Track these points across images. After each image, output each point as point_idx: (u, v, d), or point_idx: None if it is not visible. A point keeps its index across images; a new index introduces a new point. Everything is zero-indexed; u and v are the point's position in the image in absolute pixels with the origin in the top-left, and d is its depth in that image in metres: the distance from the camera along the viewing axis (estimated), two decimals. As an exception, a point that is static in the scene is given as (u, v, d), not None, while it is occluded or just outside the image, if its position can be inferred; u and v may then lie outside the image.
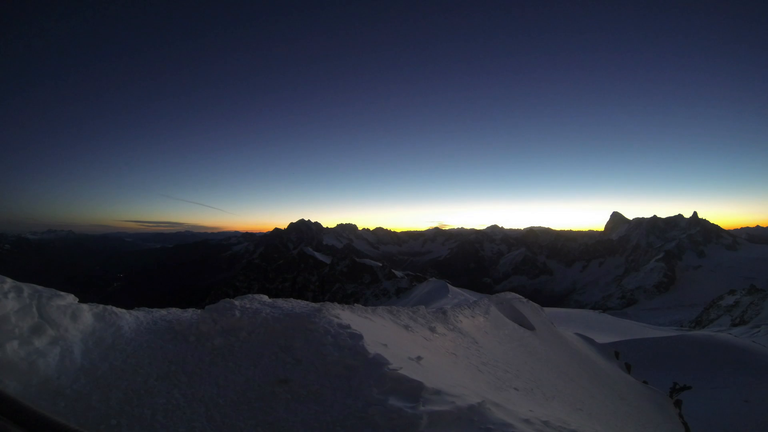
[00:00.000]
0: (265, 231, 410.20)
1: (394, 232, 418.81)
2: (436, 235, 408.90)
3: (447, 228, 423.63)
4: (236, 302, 7.14)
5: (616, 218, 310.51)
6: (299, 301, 8.49)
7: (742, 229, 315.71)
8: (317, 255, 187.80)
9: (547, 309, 34.49)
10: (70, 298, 5.34)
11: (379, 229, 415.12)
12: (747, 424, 18.76)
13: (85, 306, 5.50)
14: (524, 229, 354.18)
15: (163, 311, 6.81)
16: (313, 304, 8.26)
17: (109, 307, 5.92)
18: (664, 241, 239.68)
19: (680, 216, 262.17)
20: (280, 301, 8.01)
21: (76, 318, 5.20)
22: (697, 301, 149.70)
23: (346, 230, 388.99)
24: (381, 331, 8.17)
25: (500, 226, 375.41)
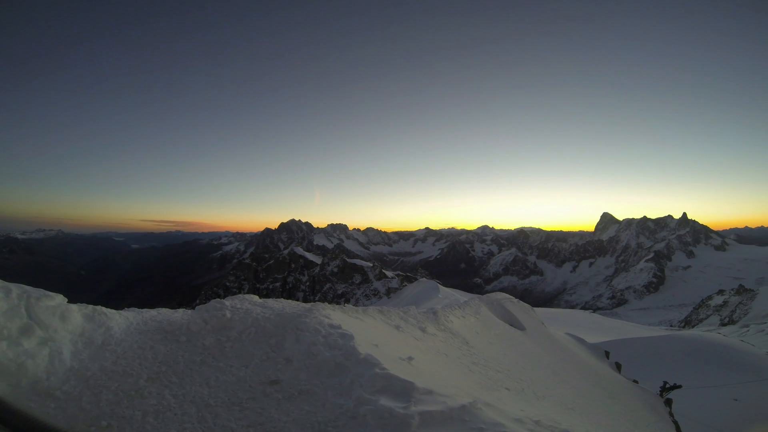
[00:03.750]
0: (255, 231, 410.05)
1: (385, 233, 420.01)
2: (427, 235, 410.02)
3: (438, 228, 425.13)
4: (227, 302, 7.11)
5: (606, 219, 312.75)
6: (290, 301, 8.48)
7: (730, 229, 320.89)
8: (308, 255, 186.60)
9: (537, 309, 34.69)
10: (59, 299, 5.29)
11: (369, 230, 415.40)
12: (736, 422, 18.97)
13: (74, 306, 5.45)
14: (515, 229, 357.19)
15: (153, 311, 6.76)
16: (304, 305, 8.25)
17: (98, 307, 5.87)
18: (653, 241, 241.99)
19: (670, 217, 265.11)
20: (271, 302, 7.98)
21: (66, 319, 5.15)
22: (687, 301, 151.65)
23: (337, 230, 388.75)
24: (372, 332, 8.17)
25: (491, 226, 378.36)
